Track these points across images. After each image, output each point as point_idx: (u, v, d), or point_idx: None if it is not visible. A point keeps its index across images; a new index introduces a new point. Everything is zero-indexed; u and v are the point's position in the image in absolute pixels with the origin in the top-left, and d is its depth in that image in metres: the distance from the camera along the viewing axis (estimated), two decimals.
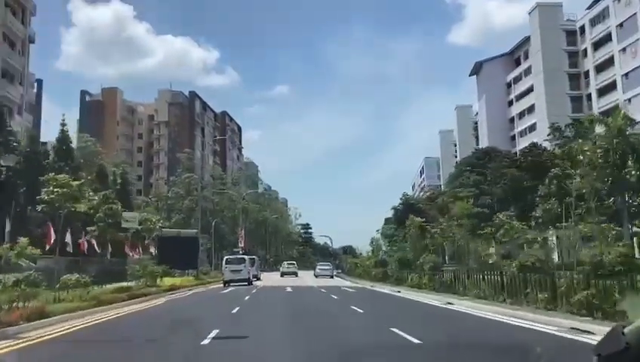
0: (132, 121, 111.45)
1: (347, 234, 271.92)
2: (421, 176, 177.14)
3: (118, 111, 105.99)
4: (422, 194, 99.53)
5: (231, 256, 43.61)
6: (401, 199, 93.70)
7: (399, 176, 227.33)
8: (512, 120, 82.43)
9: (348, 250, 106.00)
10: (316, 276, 55.46)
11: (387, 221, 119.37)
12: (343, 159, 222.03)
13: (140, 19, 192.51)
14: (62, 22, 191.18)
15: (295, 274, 60.15)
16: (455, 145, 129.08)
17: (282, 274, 59.51)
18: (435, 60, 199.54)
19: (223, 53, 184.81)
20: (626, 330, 1.36)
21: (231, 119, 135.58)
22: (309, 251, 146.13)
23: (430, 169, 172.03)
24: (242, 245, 65.21)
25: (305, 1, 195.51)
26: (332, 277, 55.43)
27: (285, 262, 66.56)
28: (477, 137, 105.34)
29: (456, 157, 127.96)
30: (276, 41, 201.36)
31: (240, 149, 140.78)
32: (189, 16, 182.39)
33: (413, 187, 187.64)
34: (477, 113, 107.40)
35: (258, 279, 46.17)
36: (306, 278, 51.78)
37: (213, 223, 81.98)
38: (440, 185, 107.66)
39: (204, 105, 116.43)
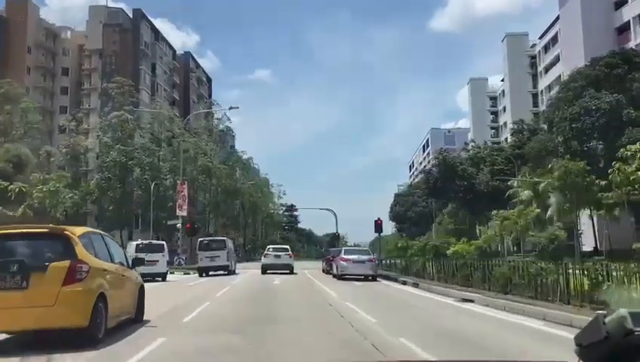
0: (54, 50, 79.45)
1: (332, 221, 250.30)
2: (425, 152, 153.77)
3: (29, 34, 74.08)
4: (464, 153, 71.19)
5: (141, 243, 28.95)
6: (437, 159, 64.73)
7: (388, 161, 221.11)
8: (622, 29, 52.94)
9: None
10: (339, 276, 25.54)
11: (397, 197, 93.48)
12: (328, 145, 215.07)
13: None
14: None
15: (289, 269, 30.72)
16: (491, 99, 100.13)
17: (265, 270, 30.19)
18: (418, 46, 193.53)
19: (204, 37, 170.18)
20: (606, 320, 1.35)
21: (197, 65, 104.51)
22: (294, 237, 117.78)
23: (437, 142, 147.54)
24: (184, 213, 33.61)
25: None
26: (375, 278, 25.32)
27: (270, 247, 34.99)
28: (534, 75, 76.51)
29: (494, 113, 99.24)
30: (259, 26, 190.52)
31: (210, 105, 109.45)
32: None
33: (411, 167, 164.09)
34: (533, 45, 78.26)
35: (231, 273, 30.95)
36: (317, 282, 22.65)
37: (153, 186, 51.62)
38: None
39: (157, 34, 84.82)
